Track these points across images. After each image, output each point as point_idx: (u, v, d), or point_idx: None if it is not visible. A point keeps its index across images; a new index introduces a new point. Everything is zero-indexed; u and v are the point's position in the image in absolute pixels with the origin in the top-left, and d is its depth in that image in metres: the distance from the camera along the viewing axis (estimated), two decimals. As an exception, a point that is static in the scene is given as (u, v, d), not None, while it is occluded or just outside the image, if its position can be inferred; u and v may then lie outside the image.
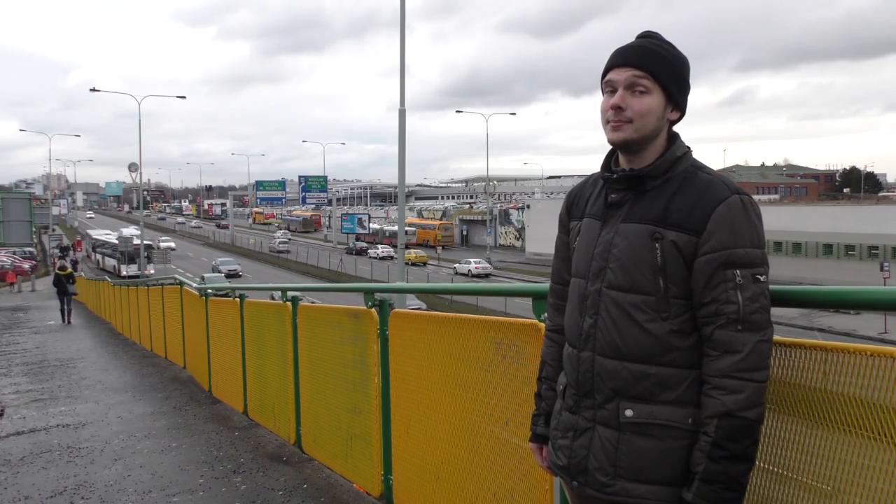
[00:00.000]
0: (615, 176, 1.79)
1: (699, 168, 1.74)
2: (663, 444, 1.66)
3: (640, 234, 1.70)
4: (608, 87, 1.77)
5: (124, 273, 44.98)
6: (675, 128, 1.82)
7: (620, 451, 1.69)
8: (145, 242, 53.73)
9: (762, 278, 1.62)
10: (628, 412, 1.69)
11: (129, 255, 47.90)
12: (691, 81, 1.81)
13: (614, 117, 1.73)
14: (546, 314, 2.11)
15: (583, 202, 1.91)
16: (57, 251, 49.91)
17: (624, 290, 1.71)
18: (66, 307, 20.69)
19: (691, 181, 1.70)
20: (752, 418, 1.58)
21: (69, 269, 22.01)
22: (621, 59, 1.75)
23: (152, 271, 43.88)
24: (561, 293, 2.00)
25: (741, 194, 1.65)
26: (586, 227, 1.85)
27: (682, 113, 1.79)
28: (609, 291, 1.73)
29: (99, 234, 64.30)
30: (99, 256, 55.81)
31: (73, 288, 21.21)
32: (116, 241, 51.97)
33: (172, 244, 68.09)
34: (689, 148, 1.78)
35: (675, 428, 1.66)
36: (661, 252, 1.67)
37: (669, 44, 1.77)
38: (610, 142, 1.78)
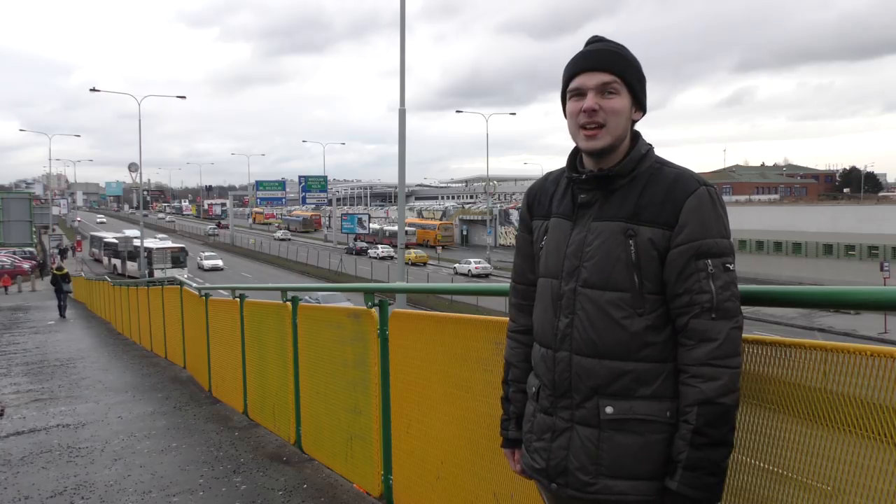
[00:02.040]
0: (584, 177, 1.80)
1: (664, 164, 1.78)
2: (643, 439, 1.68)
3: (614, 231, 1.72)
4: (575, 93, 1.78)
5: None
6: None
7: (601, 448, 1.70)
8: (178, 246, 49.99)
9: (731, 267, 1.67)
10: (608, 409, 1.70)
11: (161, 259, 45.42)
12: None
13: (587, 120, 1.75)
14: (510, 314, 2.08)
15: (546, 200, 1.91)
16: (56, 251, 49.96)
17: (599, 288, 1.72)
18: (62, 303, 23.14)
19: (658, 177, 1.73)
20: (729, 404, 1.62)
21: (65, 270, 24.77)
22: (588, 63, 1.77)
23: (186, 275, 41.60)
24: (524, 293, 2.00)
25: (708, 186, 1.70)
26: (555, 226, 1.85)
27: (644, 113, 1.83)
28: (584, 290, 1.74)
29: (115, 236, 57.29)
30: (118, 261, 52.02)
31: (69, 286, 24.15)
32: (145, 245, 47.26)
33: (220, 262, 54.69)
34: (650, 145, 1.81)
35: (654, 422, 1.68)
36: (636, 248, 1.69)
37: (622, 45, 1.81)
38: (586, 150, 1.79)
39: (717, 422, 1.61)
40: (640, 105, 1.80)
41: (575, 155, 1.86)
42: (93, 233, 71.81)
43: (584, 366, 1.73)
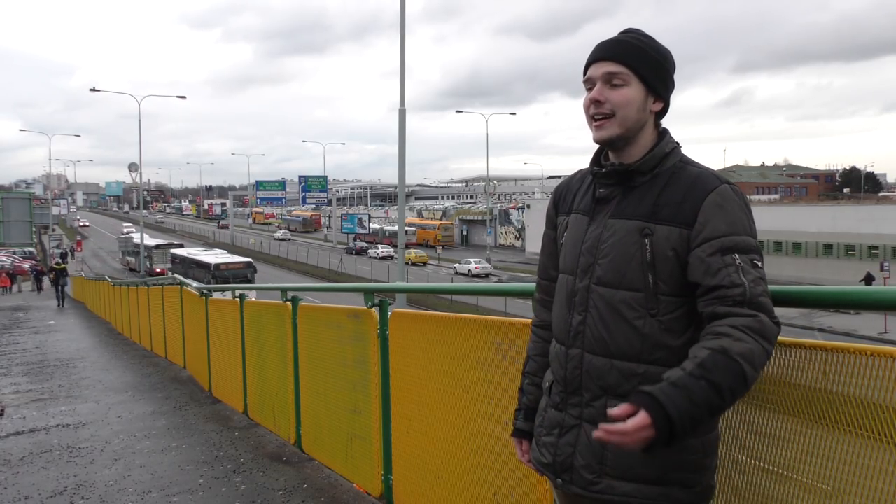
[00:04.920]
0: (604, 170, 1.77)
1: (687, 163, 1.74)
2: None
3: (630, 229, 1.69)
4: (588, 85, 1.77)
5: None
6: (665, 124, 1.81)
7: (607, 448, 1.67)
8: (244, 261, 39.79)
9: (760, 264, 1.61)
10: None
11: (223, 278, 35.74)
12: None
13: (595, 110, 1.73)
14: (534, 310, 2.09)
15: (570, 197, 1.89)
16: (58, 254, 50.08)
17: (613, 287, 1.69)
18: (60, 294, 27.17)
19: (679, 175, 1.70)
20: (745, 371, 1.48)
21: (63, 265, 29.57)
22: (596, 54, 1.75)
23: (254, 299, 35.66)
24: (547, 289, 1.98)
25: (730, 184, 1.66)
26: (574, 222, 1.83)
27: (665, 103, 1.77)
28: (598, 288, 1.72)
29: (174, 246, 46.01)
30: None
31: (65, 280, 28.08)
32: (207, 259, 38.97)
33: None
34: (677, 143, 1.77)
35: None
36: (651, 248, 1.66)
37: (648, 37, 1.76)
38: (595, 140, 1.77)
39: (723, 371, 1.46)
40: (657, 95, 1.74)
41: (601, 150, 1.83)
42: (124, 238, 60.69)
43: (595, 364, 1.71)
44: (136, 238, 52.28)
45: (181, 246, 51.00)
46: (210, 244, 75.81)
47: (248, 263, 39.43)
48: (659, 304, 1.66)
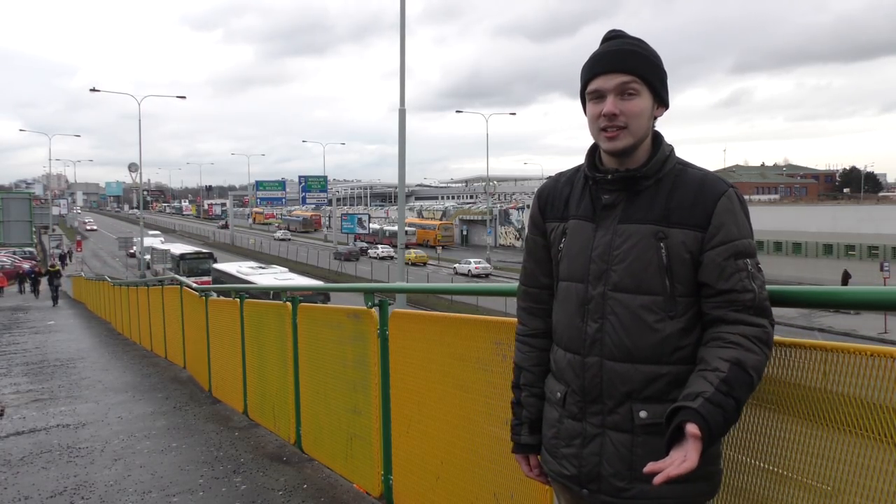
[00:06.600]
0: (609, 177, 1.75)
1: (685, 165, 1.76)
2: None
3: (644, 234, 1.69)
4: (594, 96, 1.74)
5: None
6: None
7: (636, 453, 1.67)
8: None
9: (761, 267, 1.68)
10: (643, 414, 1.67)
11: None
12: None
13: (608, 124, 1.70)
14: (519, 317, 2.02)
15: (560, 202, 1.86)
16: (57, 252, 50.18)
17: (631, 292, 1.69)
18: (54, 293, 29.88)
19: (683, 179, 1.72)
20: (754, 382, 1.59)
21: (57, 267, 32.48)
22: (606, 65, 1.71)
23: None
24: (536, 297, 1.95)
25: (734, 188, 1.70)
26: (575, 229, 1.81)
27: (667, 108, 1.79)
28: (615, 294, 1.71)
29: (234, 269, 36.18)
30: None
31: (58, 281, 30.94)
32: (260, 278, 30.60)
33: None
34: (671, 146, 1.78)
35: None
36: (667, 251, 1.67)
37: (642, 41, 1.76)
38: (607, 151, 1.75)
39: (743, 386, 1.56)
40: (661, 101, 1.76)
41: (593, 153, 1.82)
42: (163, 248, 49.17)
43: (617, 371, 1.70)
44: (169, 247, 48.09)
45: (211, 255, 43.90)
46: (210, 244, 75.53)
47: (325, 296, 29.19)
48: (677, 307, 1.68)
